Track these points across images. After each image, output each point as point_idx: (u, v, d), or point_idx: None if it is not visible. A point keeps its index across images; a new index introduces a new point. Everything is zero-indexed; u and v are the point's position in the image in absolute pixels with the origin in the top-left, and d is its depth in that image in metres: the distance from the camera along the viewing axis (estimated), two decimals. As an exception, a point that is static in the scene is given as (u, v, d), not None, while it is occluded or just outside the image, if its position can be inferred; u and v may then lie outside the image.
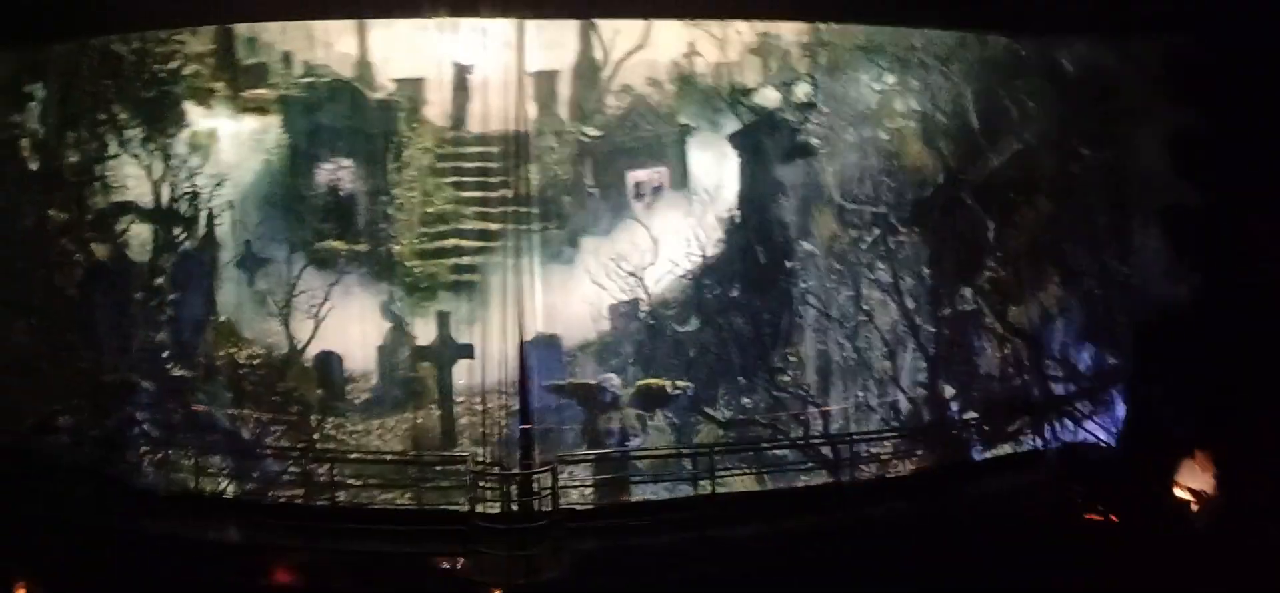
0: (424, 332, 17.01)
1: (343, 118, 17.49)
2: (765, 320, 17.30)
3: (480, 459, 15.02)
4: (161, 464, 14.74)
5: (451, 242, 18.14)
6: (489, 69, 16.04)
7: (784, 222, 17.27)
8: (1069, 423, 15.28)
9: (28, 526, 14.35)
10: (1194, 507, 14.51)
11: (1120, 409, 15.33)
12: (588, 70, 18.19)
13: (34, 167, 16.25)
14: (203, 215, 16.76)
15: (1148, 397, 15.14)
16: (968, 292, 16.76)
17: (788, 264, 17.05)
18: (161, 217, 16.66)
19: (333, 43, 17.57)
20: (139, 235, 16.72)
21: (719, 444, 15.56)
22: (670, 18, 16.21)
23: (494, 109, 15.68)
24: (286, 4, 15.54)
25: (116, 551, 14.30)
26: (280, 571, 14.42)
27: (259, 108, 18.09)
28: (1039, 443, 15.59)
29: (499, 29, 15.53)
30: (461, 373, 16.45)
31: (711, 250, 17.53)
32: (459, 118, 17.73)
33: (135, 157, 16.61)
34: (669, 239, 17.35)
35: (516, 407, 14.91)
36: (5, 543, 14.36)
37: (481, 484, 14.38)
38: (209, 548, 14.24)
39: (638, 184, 18.73)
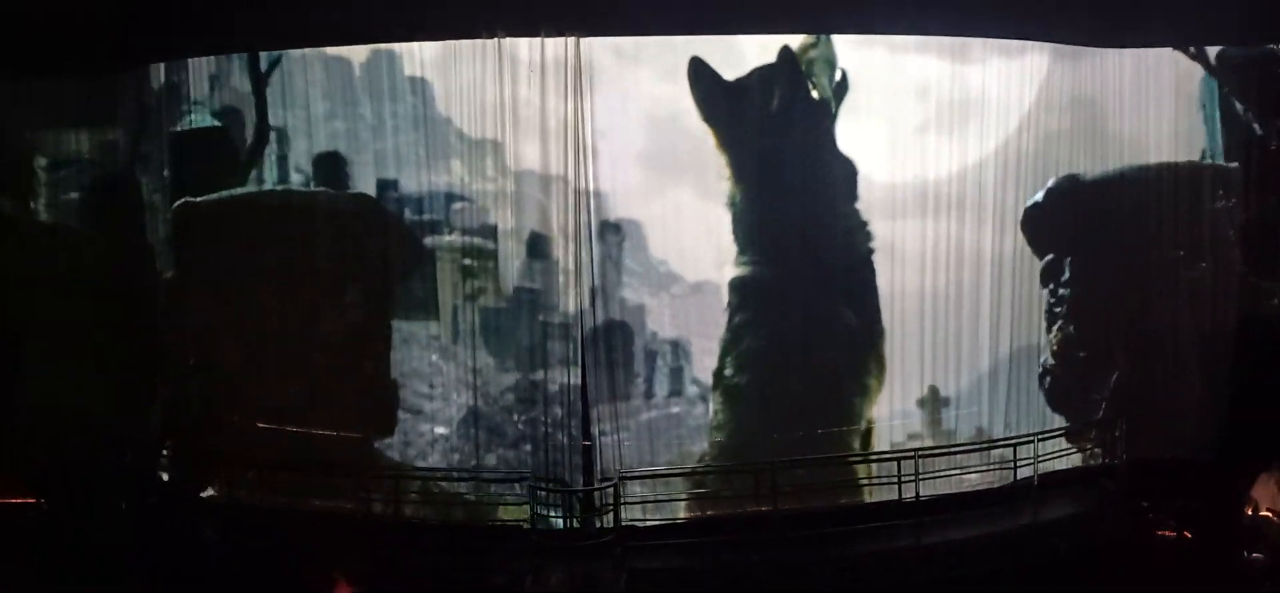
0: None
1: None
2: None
3: (541, 475, 21.57)
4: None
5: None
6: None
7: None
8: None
9: (90, 536, 21.65)
10: (1276, 522, 20.42)
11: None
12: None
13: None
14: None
15: (1224, 407, 21.44)
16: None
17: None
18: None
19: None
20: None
21: (784, 459, 21.59)
22: (744, 34, 22.00)
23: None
24: (339, 30, 21.69)
25: (179, 561, 21.37)
26: (339, 584, 21.09)
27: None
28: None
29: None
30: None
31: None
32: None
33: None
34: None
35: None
36: (70, 554, 21.42)
37: (542, 499, 21.16)
38: (269, 559, 21.29)
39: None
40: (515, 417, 22.84)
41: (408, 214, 23.40)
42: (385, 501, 21.31)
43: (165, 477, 23.14)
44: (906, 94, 23.19)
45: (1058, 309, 23.93)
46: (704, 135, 22.93)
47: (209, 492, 22.44)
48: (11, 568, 19.92)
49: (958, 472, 22.05)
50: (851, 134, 23.15)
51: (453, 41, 22.08)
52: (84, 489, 21.68)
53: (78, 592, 20.28)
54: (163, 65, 24.00)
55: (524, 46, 21.81)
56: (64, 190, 24.90)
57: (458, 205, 23.28)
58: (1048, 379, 23.80)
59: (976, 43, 23.13)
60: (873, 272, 23.35)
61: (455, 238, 23.27)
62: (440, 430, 23.37)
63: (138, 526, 21.56)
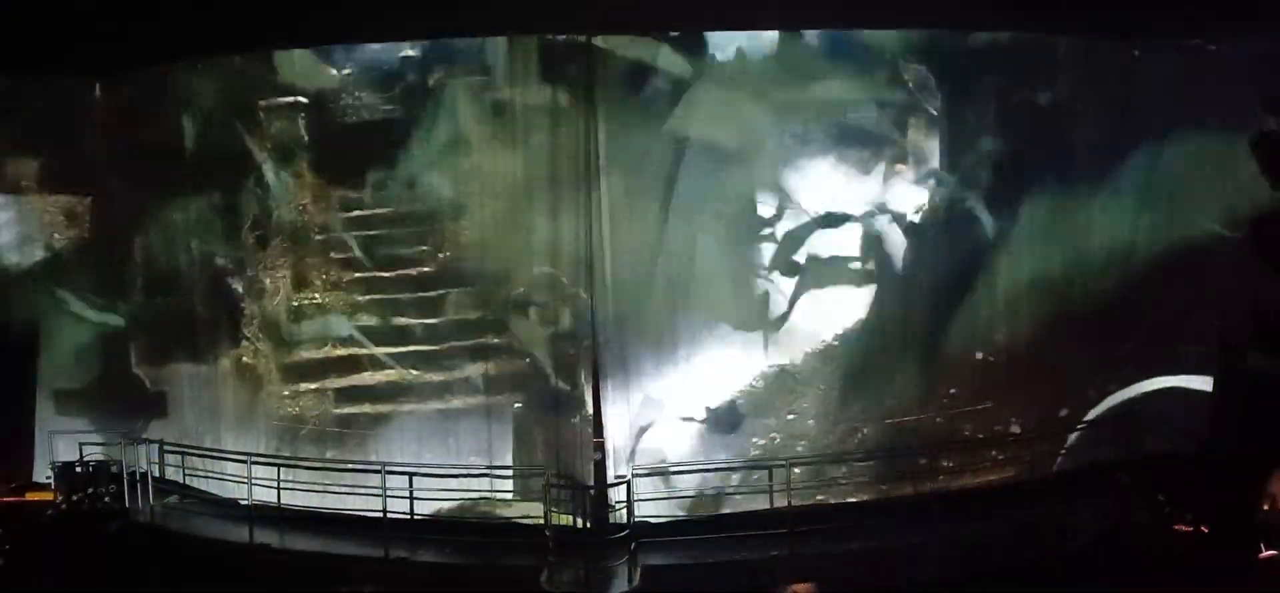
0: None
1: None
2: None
3: (556, 471, 21.62)
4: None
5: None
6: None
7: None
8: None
9: (108, 534, 21.86)
10: (1291, 516, 20.31)
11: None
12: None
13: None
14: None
15: (1238, 399, 21.37)
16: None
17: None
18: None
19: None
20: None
21: (798, 456, 21.75)
22: (747, 29, 22.06)
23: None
24: (351, 28, 22.00)
25: (198, 561, 21.56)
26: (357, 581, 21.24)
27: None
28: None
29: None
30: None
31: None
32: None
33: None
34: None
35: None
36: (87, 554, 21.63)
37: (557, 496, 21.18)
38: (288, 558, 21.43)
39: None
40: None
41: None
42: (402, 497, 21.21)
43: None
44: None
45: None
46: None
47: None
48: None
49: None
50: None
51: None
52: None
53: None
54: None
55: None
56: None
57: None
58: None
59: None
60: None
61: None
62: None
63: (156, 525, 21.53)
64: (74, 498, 21.62)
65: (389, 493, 21.03)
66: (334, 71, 23.77)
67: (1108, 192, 23.04)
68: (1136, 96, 22.80)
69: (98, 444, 22.61)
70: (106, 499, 21.70)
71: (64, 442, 22.72)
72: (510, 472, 22.27)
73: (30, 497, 22.27)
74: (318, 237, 23.79)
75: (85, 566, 20.55)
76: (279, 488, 21.52)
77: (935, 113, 22.89)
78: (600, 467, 21.61)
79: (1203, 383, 22.60)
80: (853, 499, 22.00)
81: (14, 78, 23.83)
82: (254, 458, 21.95)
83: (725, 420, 22.45)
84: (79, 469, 22.03)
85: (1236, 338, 21.79)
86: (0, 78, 23.84)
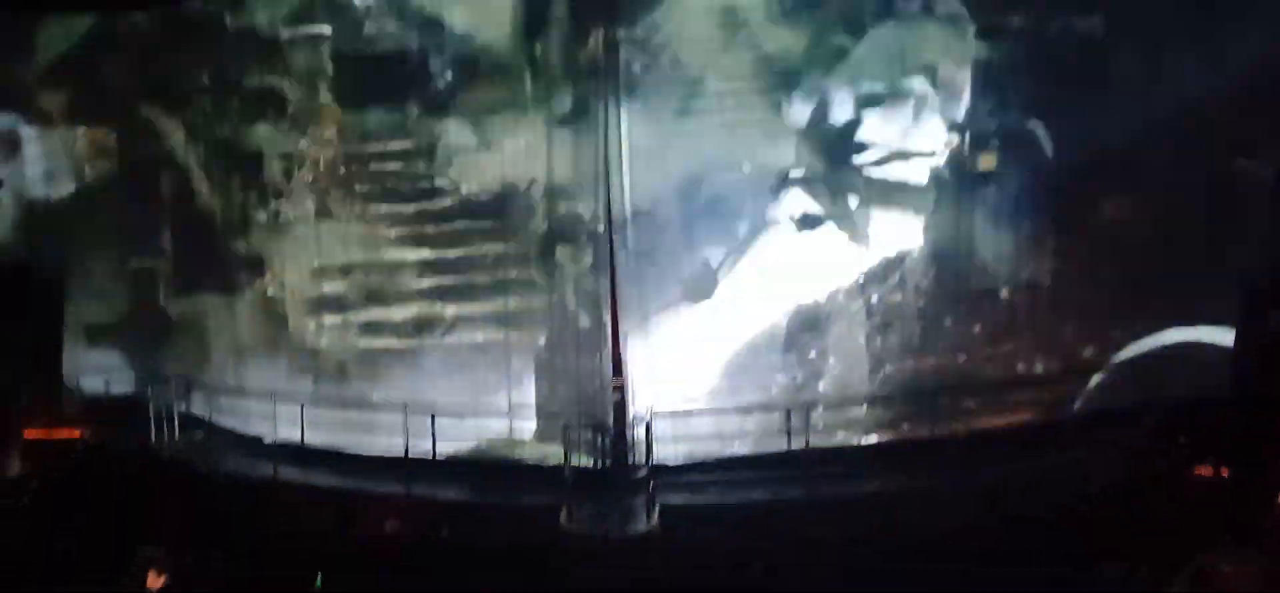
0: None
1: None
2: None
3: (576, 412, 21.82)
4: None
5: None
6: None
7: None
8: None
9: (139, 474, 22.15)
10: (1316, 461, 20.10)
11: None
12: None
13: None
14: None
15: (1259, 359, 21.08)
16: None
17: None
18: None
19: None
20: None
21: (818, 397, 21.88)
22: None
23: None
24: None
25: (222, 497, 21.88)
26: (378, 518, 21.53)
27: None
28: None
29: None
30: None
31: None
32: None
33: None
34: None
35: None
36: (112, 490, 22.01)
37: (576, 437, 21.39)
38: (311, 495, 21.72)
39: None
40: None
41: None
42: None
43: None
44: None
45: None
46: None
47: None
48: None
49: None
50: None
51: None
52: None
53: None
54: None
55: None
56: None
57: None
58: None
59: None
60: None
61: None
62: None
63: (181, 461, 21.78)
64: (100, 434, 21.88)
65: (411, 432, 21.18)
66: (357, 2, 23.76)
67: (1137, 127, 22.52)
68: (1165, 31, 22.19)
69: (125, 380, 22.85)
70: (133, 435, 21.94)
71: (90, 377, 22.97)
72: (531, 411, 22.35)
73: (58, 433, 22.54)
74: (340, 169, 23.78)
75: (111, 502, 20.86)
76: (303, 426, 21.69)
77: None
78: (620, 407, 21.63)
79: (1225, 336, 22.18)
80: (873, 439, 21.88)
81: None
82: (278, 395, 22.13)
83: (746, 359, 22.37)
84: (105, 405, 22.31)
85: (1261, 292, 21.40)
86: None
